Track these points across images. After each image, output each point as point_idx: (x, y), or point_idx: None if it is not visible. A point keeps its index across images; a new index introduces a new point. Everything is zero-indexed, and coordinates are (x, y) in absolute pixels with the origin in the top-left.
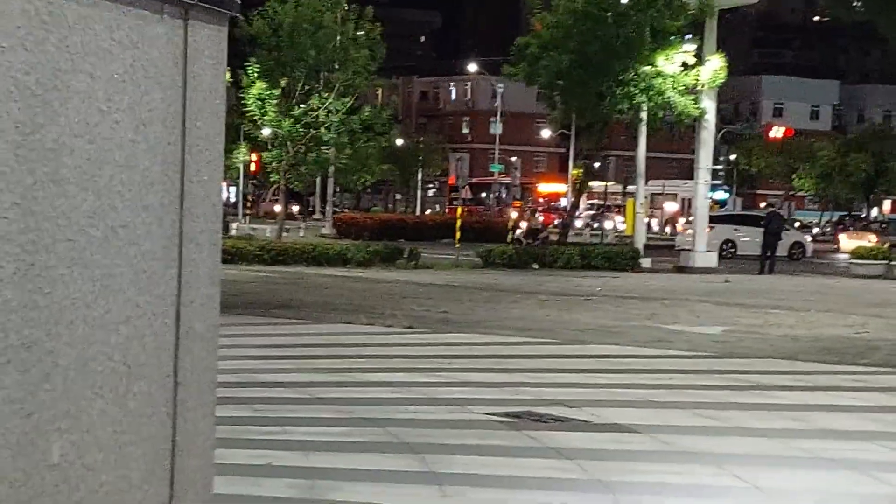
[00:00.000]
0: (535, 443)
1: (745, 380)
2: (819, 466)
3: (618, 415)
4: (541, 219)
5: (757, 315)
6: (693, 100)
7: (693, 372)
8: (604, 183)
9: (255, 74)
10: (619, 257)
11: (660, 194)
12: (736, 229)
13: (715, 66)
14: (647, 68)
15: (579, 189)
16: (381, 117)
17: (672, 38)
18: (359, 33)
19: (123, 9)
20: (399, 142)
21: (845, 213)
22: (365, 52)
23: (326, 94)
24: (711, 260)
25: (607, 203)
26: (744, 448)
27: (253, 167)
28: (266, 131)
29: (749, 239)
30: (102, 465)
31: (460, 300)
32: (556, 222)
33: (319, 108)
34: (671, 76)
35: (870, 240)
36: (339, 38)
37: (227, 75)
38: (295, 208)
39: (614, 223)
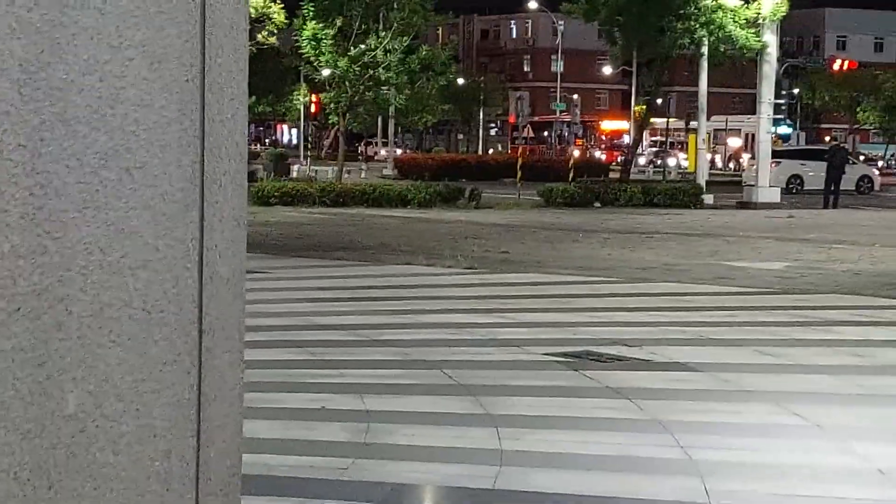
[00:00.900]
0: (593, 383)
1: (807, 315)
2: (882, 403)
3: (678, 353)
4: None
5: (820, 250)
6: (754, 33)
7: (755, 308)
8: (666, 119)
9: (310, 14)
10: (682, 194)
11: (723, 130)
12: (803, 164)
13: None
14: (708, 2)
15: (641, 126)
16: (440, 56)
17: None
18: None
19: None
20: (460, 81)
21: None
22: None
23: (384, 34)
24: (775, 195)
25: (670, 140)
26: (805, 386)
27: (313, 108)
28: (325, 72)
29: (815, 173)
30: (123, 414)
31: (521, 240)
32: (618, 159)
33: (377, 47)
34: (732, 9)
35: None
36: None
37: (282, 16)
38: (358, 149)
39: (677, 160)
